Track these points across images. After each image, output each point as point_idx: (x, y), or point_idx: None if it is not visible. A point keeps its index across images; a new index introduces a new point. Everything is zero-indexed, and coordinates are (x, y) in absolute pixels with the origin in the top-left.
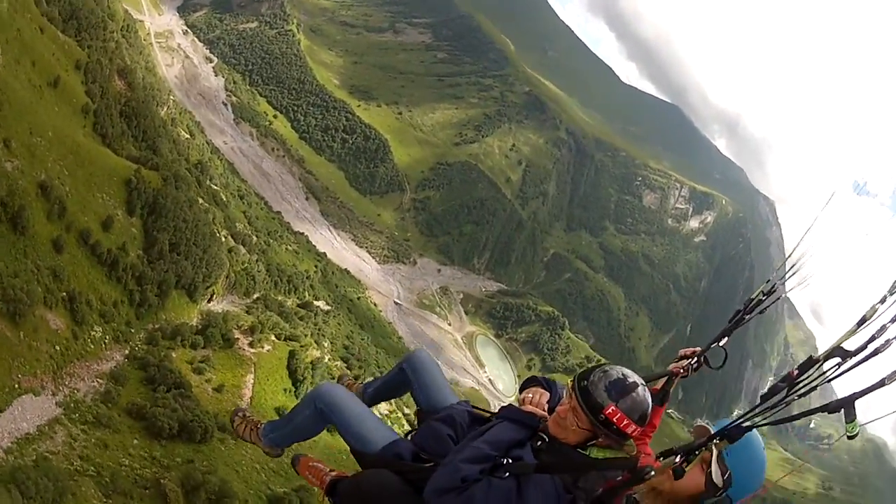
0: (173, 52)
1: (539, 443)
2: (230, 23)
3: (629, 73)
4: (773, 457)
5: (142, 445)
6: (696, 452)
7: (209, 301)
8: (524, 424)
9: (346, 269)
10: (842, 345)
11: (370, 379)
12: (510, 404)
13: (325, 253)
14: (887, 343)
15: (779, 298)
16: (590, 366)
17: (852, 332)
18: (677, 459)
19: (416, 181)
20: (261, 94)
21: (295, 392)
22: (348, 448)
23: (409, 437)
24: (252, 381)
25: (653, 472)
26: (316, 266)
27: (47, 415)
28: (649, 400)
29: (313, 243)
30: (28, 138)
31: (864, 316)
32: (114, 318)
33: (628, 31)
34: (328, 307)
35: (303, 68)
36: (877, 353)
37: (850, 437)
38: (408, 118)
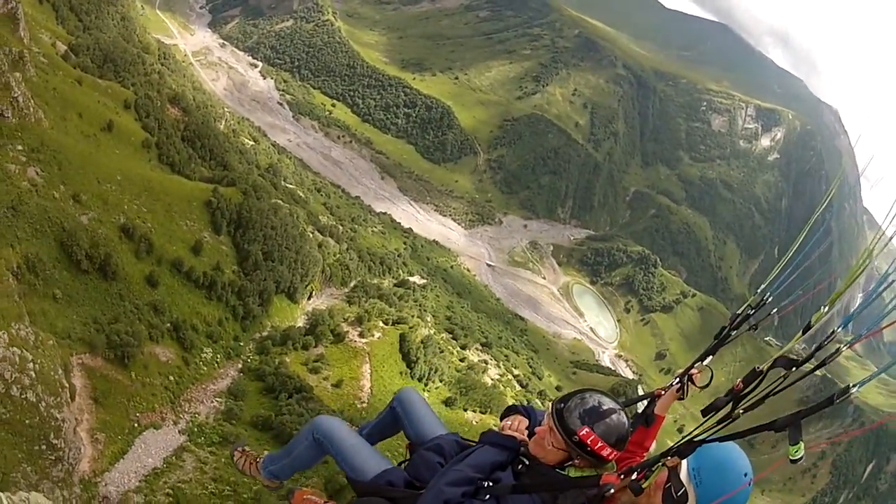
0: (216, 67)
1: (520, 466)
2: (265, 27)
3: None
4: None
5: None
6: (653, 469)
7: (309, 299)
8: (504, 447)
9: (434, 240)
10: (787, 354)
11: (365, 423)
12: (490, 429)
13: (410, 228)
14: (837, 352)
15: (769, 314)
16: (570, 391)
17: (797, 340)
18: (634, 476)
19: (486, 142)
20: (314, 87)
21: (410, 373)
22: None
23: (401, 467)
24: (369, 370)
25: (612, 490)
26: (404, 242)
27: (172, 445)
28: (626, 423)
29: (397, 220)
30: (97, 187)
31: (809, 323)
32: (221, 336)
33: None
34: (423, 281)
35: (349, 53)
36: (824, 364)
37: (792, 461)
38: (465, 81)
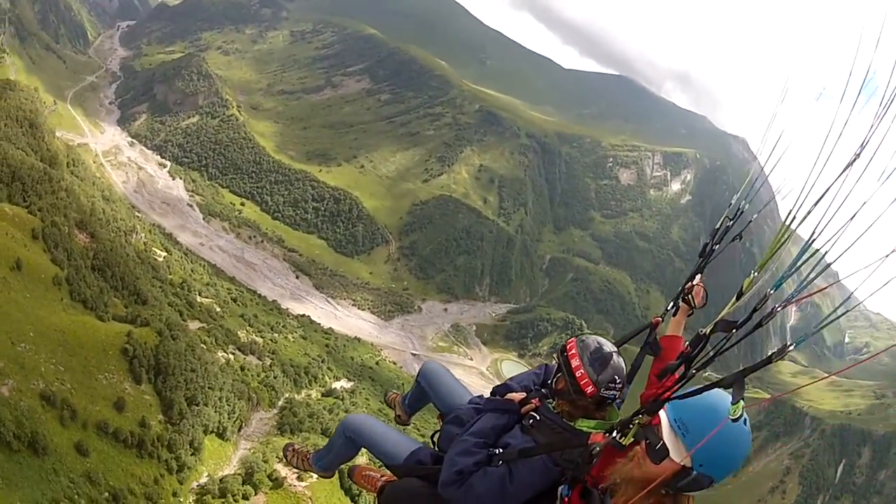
0: (125, 167)
1: (531, 421)
2: (171, 123)
3: (569, 57)
4: (819, 385)
5: None
6: (630, 426)
7: (240, 430)
8: (503, 411)
9: (355, 337)
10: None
11: (408, 391)
12: (490, 397)
13: (331, 328)
14: (772, 313)
15: (750, 221)
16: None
17: (732, 305)
18: (614, 434)
19: (396, 229)
20: (222, 186)
21: None
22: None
23: (434, 438)
24: None
25: (598, 448)
26: (326, 345)
27: None
28: (606, 352)
29: (317, 321)
30: (12, 350)
31: (741, 289)
32: (160, 495)
33: (556, 18)
34: (350, 384)
35: (255, 149)
36: (761, 326)
37: (733, 420)
38: (371, 169)
